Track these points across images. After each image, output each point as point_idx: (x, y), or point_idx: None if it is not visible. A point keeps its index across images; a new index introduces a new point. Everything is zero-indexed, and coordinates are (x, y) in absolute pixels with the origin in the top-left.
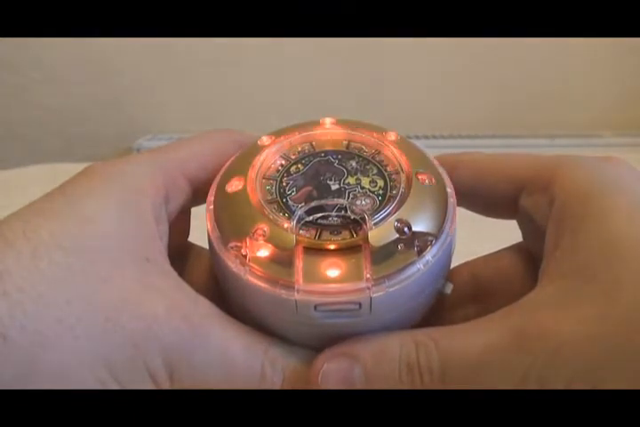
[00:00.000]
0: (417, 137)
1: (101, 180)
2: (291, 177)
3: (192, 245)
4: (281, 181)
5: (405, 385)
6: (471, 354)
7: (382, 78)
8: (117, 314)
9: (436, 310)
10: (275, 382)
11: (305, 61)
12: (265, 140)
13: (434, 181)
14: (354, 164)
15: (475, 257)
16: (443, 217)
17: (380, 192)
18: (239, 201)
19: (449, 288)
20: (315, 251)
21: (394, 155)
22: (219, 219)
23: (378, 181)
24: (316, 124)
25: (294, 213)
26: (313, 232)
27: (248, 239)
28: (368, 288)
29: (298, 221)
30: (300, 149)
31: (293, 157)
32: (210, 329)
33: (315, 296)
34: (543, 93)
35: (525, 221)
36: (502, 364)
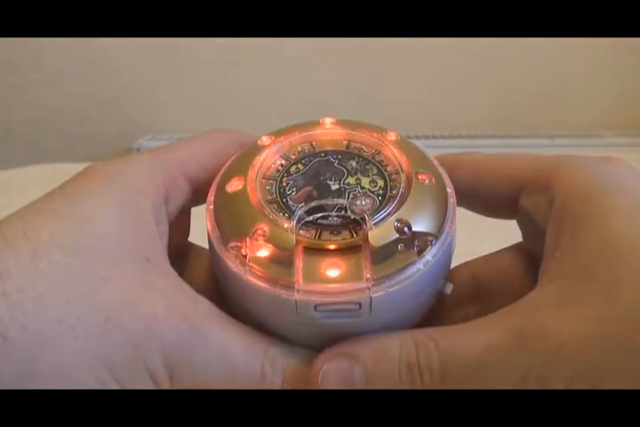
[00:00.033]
0: (417, 137)
1: (101, 180)
2: (291, 177)
3: (192, 245)
4: (281, 181)
5: (405, 385)
6: (471, 354)
7: (382, 78)
8: (117, 314)
9: (436, 310)
10: (275, 382)
11: (305, 61)
12: (265, 140)
13: (434, 181)
14: (354, 164)
15: (475, 257)
16: (443, 217)
17: (380, 192)
18: (239, 201)
19: (449, 288)
20: (315, 251)
21: (394, 155)
22: (219, 219)
23: (378, 181)
24: (316, 124)
25: (294, 213)
26: (313, 232)
27: (248, 239)
28: (368, 288)
29: (298, 221)
30: (300, 149)
31: (293, 157)
32: (210, 329)
33: (315, 296)
34: (543, 93)
35: (525, 221)
36: (502, 364)
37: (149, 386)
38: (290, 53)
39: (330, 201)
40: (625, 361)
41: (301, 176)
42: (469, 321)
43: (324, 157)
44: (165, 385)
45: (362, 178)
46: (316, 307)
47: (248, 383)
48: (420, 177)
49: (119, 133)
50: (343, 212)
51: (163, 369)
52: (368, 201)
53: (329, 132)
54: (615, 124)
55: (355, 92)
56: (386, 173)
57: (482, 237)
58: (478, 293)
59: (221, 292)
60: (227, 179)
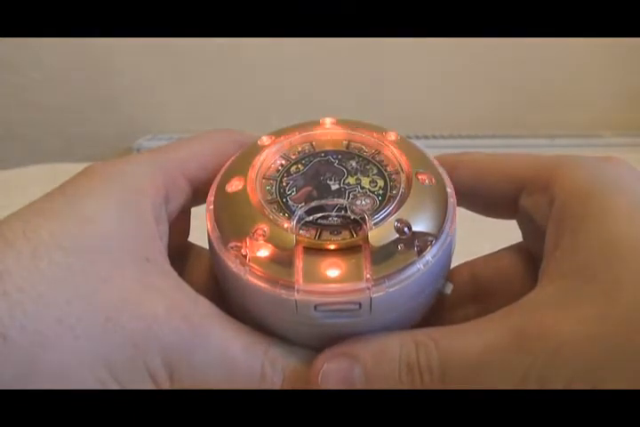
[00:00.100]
0: (417, 137)
1: (101, 180)
2: (291, 177)
3: (192, 245)
4: (281, 181)
5: (405, 385)
6: (471, 354)
7: (382, 78)
8: (117, 314)
9: (436, 310)
10: (275, 382)
11: (305, 61)
12: (265, 140)
13: (434, 181)
14: (354, 164)
15: (475, 257)
16: (443, 217)
17: (380, 192)
18: (239, 201)
19: (449, 288)
20: (315, 251)
21: (394, 155)
22: (219, 219)
23: (378, 181)
24: (316, 124)
25: (294, 213)
26: (313, 232)
27: (248, 239)
28: (368, 288)
29: (298, 221)
30: (300, 149)
31: (293, 157)
32: (210, 329)
33: (315, 296)
34: (543, 93)
35: (525, 221)
36: (502, 364)
37: (149, 386)
38: (290, 53)
39: (330, 201)
40: (625, 361)
41: (301, 176)
42: (469, 321)
43: (324, 157)
44: (165, 385)
45: (362, 178)
46: (316, 307)
47: (248, 383)
48: (420, 177)
49: (119, 133)
50: (343, 212)
51: (163, 369)
52: (368, 201)
53: (329, 132)
54: (615, 124)
55: (355, 92)
56: (386, 173)
57: (482, 237)
58: (478, 293)
59: (221, 292)
60: (227, 179)
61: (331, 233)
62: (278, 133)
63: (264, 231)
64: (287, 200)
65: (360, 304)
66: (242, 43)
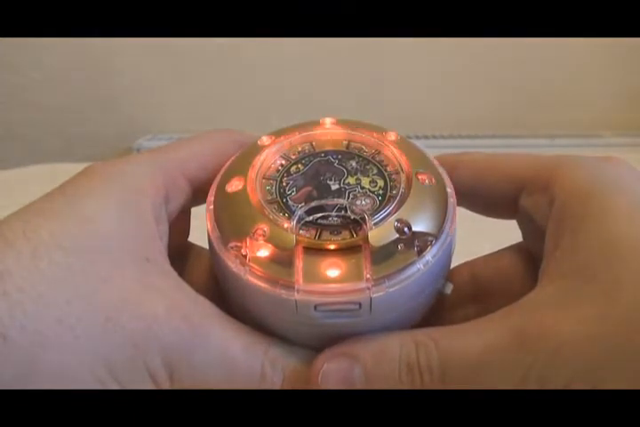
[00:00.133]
0: (417, 137)
1: (101, 180)
2: (291, 177)
3: (192, 245)
4: (281, 181)
5: (405, 385)
6: (471, 354)
7: (382, 78)
8: (117, 314)
9: (436, 310)
10: (275, 382)
11: (305, 61)
12: (265, 140)
13: (434, 181)
14: (354, 164)
15: (475, 257)
16: (443, 217)
17: (380, 192)
18: (239, 201)
19: (449, 288)
20: (315, 251)
21: (394, 155)
22: (219, 219)
23: (378, 181)
24: (316, 124)
25: (294, 213)
26: (313, 232)
27: (248, 239)
28: (368, 288)
29: (298, 221)
30: (300, 149)
31: (293, 157)
32: (210, 329)
33: (315, 296)
34: (543, 93)
35: (525, 221)
36: (502, 364)
37: (149, 386)
38: (290, 53)
39: (330, 201)
40: (625, 361)
41: (301, 176)
42: (469, 321)
43: (324, 157)
44: (165, 385)
45: (362, 178)
46: (316, 307)
47: (248, 383)
48: (420, 177)
49: (119, 133)
50: (343, 212)
51: (163, 369)
52: (368, 201)
53: (329, 132)
54: (615, 124)
55: (355, 92)
56: (386, 173)
57: (482, 237)
58: (478, 293)
59: (221, 292)
60: (227, 179)
61: (331, 233)
62: (278, 133)
63: (264, 231)
64: (287, 200)
65: (360, 304)
66: (242, 43)
